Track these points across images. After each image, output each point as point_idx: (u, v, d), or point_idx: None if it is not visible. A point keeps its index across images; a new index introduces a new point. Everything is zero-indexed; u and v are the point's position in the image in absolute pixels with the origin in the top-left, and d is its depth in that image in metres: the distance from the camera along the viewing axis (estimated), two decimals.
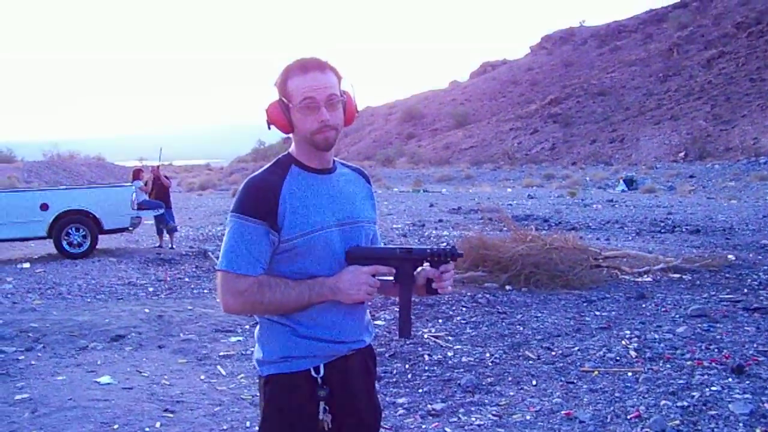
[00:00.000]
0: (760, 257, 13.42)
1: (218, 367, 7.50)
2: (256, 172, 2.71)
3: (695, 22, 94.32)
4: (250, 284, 2.57)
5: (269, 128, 2.73)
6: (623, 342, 7.77)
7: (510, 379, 6.79)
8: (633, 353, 7.35)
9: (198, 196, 43.51)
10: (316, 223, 2.64)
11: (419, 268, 2.72)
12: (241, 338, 8.65)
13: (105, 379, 7.02)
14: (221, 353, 7.99)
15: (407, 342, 8.00)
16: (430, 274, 2.70)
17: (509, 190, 40.16)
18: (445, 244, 2.56)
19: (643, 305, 9.66)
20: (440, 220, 22.05)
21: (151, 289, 12.19)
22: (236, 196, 2.65)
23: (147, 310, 10.10)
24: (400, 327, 2.76)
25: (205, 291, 11.96)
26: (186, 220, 24.91)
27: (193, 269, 14.16)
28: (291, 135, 2.73)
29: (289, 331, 2.67)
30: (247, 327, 9.10)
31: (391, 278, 2.70)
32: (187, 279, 13.13)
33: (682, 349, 7.40)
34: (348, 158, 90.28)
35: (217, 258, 14.08)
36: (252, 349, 7.98)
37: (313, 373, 2.68)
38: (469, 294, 10.49)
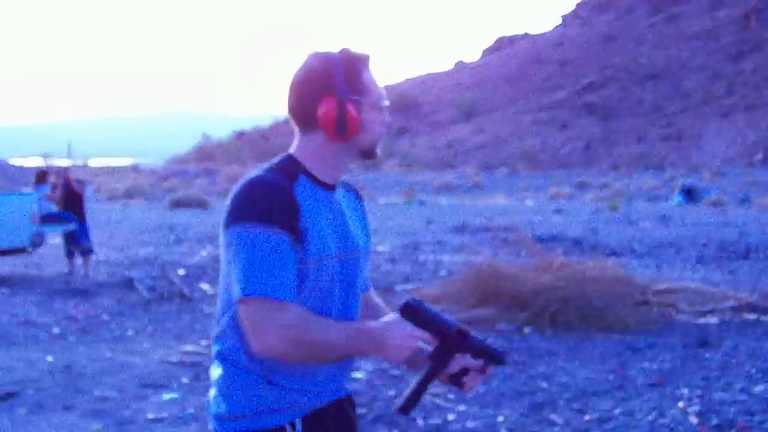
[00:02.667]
0: None
1: None
2: (257, 173, 2.74)
3: None
4: (296, 315, 2.59)
5: (340, 132, 2.76)
6: (680, 404, 7.76)
7: None
8: (694, 419, 7.33)
9: (122, 206, 43.44)
10: (329, 249, 2.73)
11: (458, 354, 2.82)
12: (176, 395, 8.59)
13: None
14: (150, 416, 7.93)
15: (394, 401, 7.95)
16: (473, 366, 2.81)
17: (530, 202, 40.27)
18: (491, 342, 2.57)
19: (707, 355, 9.66)
20: (439, 242, 22.08)
21: (56, 331, 12.10)
22: (237, 201, 2.66)
23: (50, 359, 10.02)
24: (405, 402, 2.82)
25: (130, 333, 11.89)
26: (106, 238, 24.82)
27: (115, 304, 14.08)
28: (303, 137, 2.83)
29: (262, 379, 2.72)
30: (185, 381, 9.05)
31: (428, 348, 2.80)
32: (105, 317, 13.06)
33: (761, 416, 7.39)
34: None
35: (150, 289, 13.99)
36: (191, 409, 7.95)
37: (288, 430, 2.75)
38: None
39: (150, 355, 10.02)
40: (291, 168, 2.76)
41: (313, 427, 2.77)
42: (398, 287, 14.14)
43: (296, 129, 2.81)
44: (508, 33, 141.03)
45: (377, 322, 2.72)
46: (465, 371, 2.82)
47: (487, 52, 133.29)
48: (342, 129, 2.71)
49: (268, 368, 2.71)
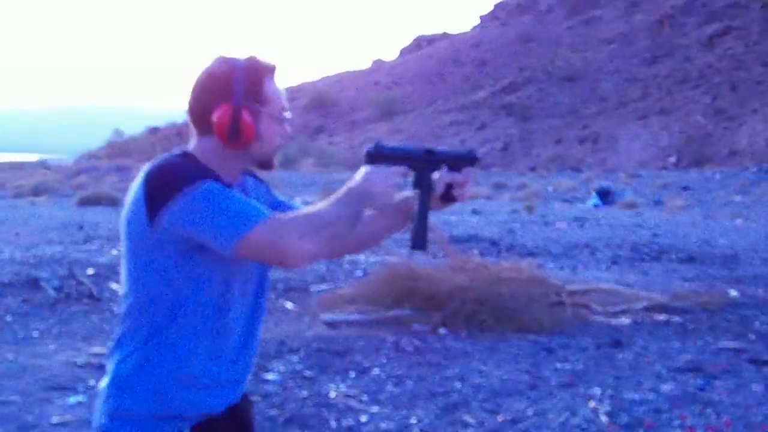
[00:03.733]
0: None
1: None
2: (158, 160, 2.78)
3: None
4: (292, 217, 2.70)
5: (232, 139, 2.78)
6: (591, 403, 7.84)
7: None
8: (604, 418, 7.42)
9: (29, 204, 42.76)
10: None
11: (436, 173, 3.04)
12: (82, 399, 8.47)
13: None
14: (54, 420, 7.81)
15: (307, 403, 7.94)
16: (454, 179, 3.03)
17: None
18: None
19: (619, 355, 9.78)
20: None
21: None
22: (159, 184, 2.67)
23: None
24: (415, 237, 3.04)
25: (35, 334, 11.70)
26: (11, 237, 24.42)
27: (19, 304, 13.84)
28: (204, 140, 2.85)
29: (172, 374, 2.77)
30: (92, 384, 8.93)
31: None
32: (8, 318, 12.81)
33: (668, 414, 7.50)
34: None
35: (57, 289, 13.77)
36: None
37: None
38: (391, 339, 10.48)
39: (56, 358, 9.84)
40: (203, 170, 2.75)
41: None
42: (313, 287, 14.10)
43: (193, 130, 2.81)
44: (427, 32, 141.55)
45: (353, 180, 2.82)
46: (450, 186, 3.01)
47: (406, 51, 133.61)
48: (234, 137, 2.74)
49: (184, 360, 2.75)
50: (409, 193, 3.06)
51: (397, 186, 2.89)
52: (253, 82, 2.76)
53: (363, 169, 2.86)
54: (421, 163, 2.99)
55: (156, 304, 2.76)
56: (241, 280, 2.88)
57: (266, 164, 2.89)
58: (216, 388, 2.85)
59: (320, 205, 2.74)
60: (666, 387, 8.29)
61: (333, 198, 2.76)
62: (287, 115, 2.87)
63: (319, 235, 2.64)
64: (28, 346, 10.84)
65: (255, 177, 3.12)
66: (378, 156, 2.91)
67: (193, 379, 2.78)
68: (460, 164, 3.04)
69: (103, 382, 2.90)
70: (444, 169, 3.02)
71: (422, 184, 3.02)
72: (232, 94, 2.73)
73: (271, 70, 2.83)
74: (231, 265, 2.79)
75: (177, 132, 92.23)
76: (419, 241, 3.03)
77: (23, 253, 19.26)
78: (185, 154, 2.81)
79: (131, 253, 2.77)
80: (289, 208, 3.10)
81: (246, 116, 2.73)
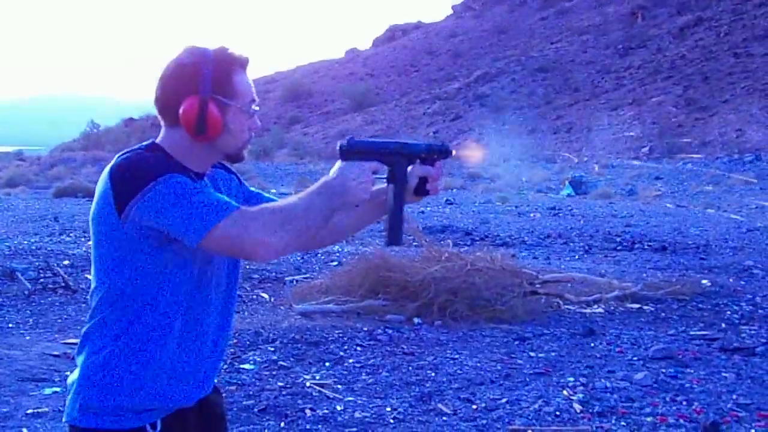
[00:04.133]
0: (742, 283, 13.81)
1: (23, 430, 7.33)
2: (123, 154, 2.77)
3: None
4: (260, 209, 2.69)
5: (199, 132, 2.76)
6: (565, 392, 7.90)
7: None
8: (577, 407, 7.47)
9: (4, 195, 42.52)
10: None
11: (410, 168, 3.03)
12: (57, 389, 8.45)
13: None
14: (29, 411, 7.79)
15: (282, 392, 7.97)
16: (428, 172, 3.03)
17: None
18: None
19: (592, 344, 9.85)
20: None
21: None
22: (124, 179, 2.67)
23: None
24: (390, 234, 3.06)
25: (11, 325, 11.67)
26: None
27: None
28: (171, 132, 2.84)
29: (142, 368, 2.77)
30: (67, 374, 8.91)
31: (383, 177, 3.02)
32: None
33: (640, 402, 7.57)
34: None
35: (33, 281, 13.69)
36: None
37: (149, 430, 2.77)
38: (365, 329, 10.51)
39: (31, 349, 9.82)
40: (169, 163, 2.75)
41: (173, 425, 2.79)
42: (288, 278, 14.11)
43: (162, 121, 2.81)
44: (400, 21, 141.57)
45: (328, 176, 2.81)
46: (424, 180, 3.02)
47: (379, 41, 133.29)
48: (201, 129, 2.73)
49: (132, 352, 2.75)
50: (382, 186, 3.05)
51: (372, 182, 2.88)
52: (221, 75, 2.74)
53: (337, 165, 2.85)
54: (394, 157, 2.99)
55: (126, 299, 2.76)
56: (214, 272, 2.88)
57: (235, 157, 2.88)
58: (188, 381, 2.84)
59: (291, 199, 2.73)
60: (638, 375, 8.35)
61: (306, 192, 2.76)
62: (256, 108, 2.86)
63: (285, 230, 2.62)
64: (3, 337, 10.81)
65: (226, 169, 3.11)
66: (351, 151, 2.90)
67: (164, 373, 2.78)
68: (433, 158, 3.05)
69: (73, 376, 2.90)
70: (417, 163, 3.03)
71: (396, 178, 3.02)
72: (199, 86, 2.71)
73: (240, 62, 2.81)
74: (203, 258, 2.79)
75: (152, 123, 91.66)
76: (394, 238, 3.06)
77: None
78: (153, 147, 2.80)
79: (100, 247, 2.76)
80: (262, 200, 3.09)
81: (213, 109, 2.72)
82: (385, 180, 3.03)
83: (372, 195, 2.98)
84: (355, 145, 2.92)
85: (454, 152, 3.14)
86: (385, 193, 3.06)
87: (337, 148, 2.91)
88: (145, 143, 2.84)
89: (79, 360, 2.87)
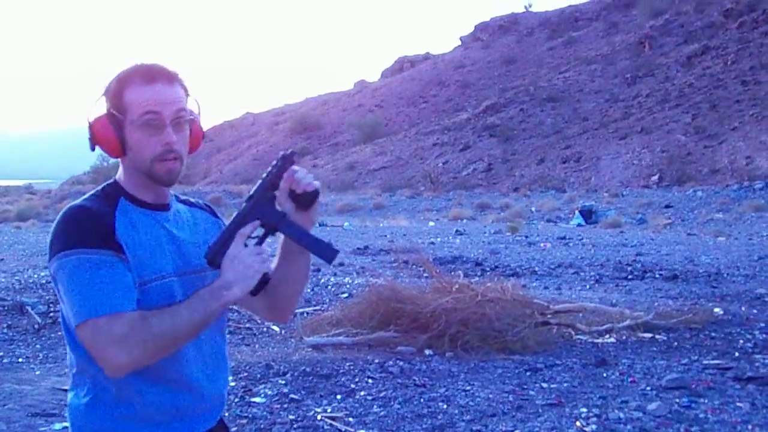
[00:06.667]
0: (754, 311, 13.73)
1: None
2: (75, 202, 2.68)
3: (672, 8, 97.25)
4: (130, 321, 2.50)
5: (93, 149, 2.73)
6: (578, 423, 7.83)
7: None
8: None
9: (15, 229, 42.59)
10: (156, 270, 2.65)
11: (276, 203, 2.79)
12: (67, 424, 8.41)
13: None
14: None
15: (294, 426, 7.91)
16: (284, 186, 2.76)
17: (431, 223, 40.41)
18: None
19: (604, 374, 9.78)
20: (341, 264, 22.03)
21: None
22: (54, 233, 2.62)
23: None
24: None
25: (20, 360, 11.64)
26: None
27: (4, 330, 13.79)
28: (120, 160, 2.74)
29: (122, 413, 2.70)
30: None
31: (258, 233, 2.76)
32: None
33: None
34: (222, 179, 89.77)
35: (43, 315, 13.66)
36: None
37: None
38: (377, 361, 10.46)
39: (41, 383, 9.77)
40: (112, 192, 2.72)
41: None
42: (298, 310, 14.07)
43: None
44: (409, 53, 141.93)
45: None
46: (294, 193, 2.78)
47: (388, 73, 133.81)
48: (92, 146, 2.70)
49: (112, 396, 2.69)
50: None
51: (253, 254, 2.65)
52: (115, 90, 2.66)
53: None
54: (252, 211, 2.75)
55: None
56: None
57: (150, 176, 2.69)
58: (173, 422, 2.76)
59: (172, 309, 2.55)
60: (652, 405, 8.28)
61: (191, 297, 2.59)
62: (146, 119, 2.63)
63: (143, 352, 2.51)
64: (12, 372, 10.78)
65: (199, 207, 3.02)
66: (215, 253, 2.67)
67: (145, 417, 2.71)
68: (281, 175, 2.78)
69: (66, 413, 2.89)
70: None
71: (273, 222, 2.78)
72: (102, 104, 2.67)
73: (140, 73, 2.66)
74: (168, 298, 2.67)
75: None
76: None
77: (8, 279, 19.18)
78: (109, 187, 2.76)
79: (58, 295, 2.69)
80: None
81: (98, 125, 2.66)
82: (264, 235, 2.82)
83: (286, 245, 2.86)
84: (212, 248, 2.68)
85: (291, 150, 2.84)
86: (292, 241, 2.85)
87: (207, 262, 2.69)
88: (105, 183, 2.79)
89: (68, 397, 2.86)
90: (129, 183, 2.73)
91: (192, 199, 3.03)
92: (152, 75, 2.64)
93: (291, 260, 2.91)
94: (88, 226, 2.58)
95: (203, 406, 2.82)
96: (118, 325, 2.48)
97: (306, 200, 2.80)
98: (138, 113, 2.61)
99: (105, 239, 2.56)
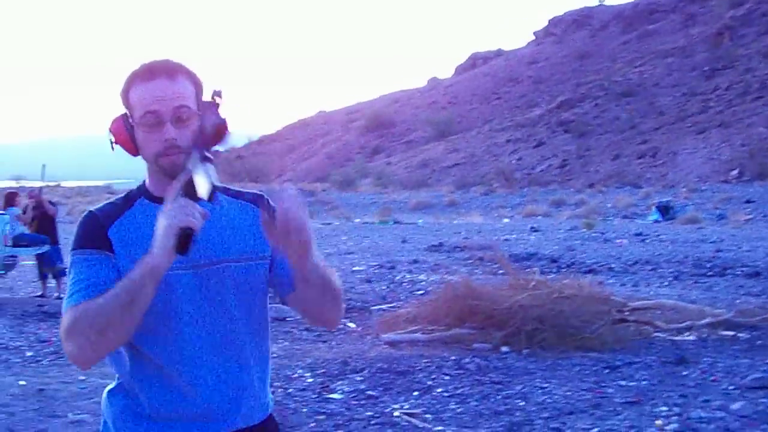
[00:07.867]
0: None
1: None
2: (93, 207, 2.80)
3: None
4: (74, 313, 2.53)
5: (113, 149, 2.78)
6: (658, 422, 7.77)
7: None
8: None
9: None
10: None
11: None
12: None
13: None
14: None
15: (371, 422, 7.95)
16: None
17: (506, 220, 40.31)
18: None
19: (685, 373, 9.68)
20: (415, 261, 22.07)
21: (29, 354, 12.01)
22: (75, 233, 2.74)
23: (23, 383, 9.95)
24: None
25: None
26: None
27: None
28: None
29: (142, 413, 2.76)
30: None
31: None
32: None
33: None
34: (296, 178, 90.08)
35: None
36: None
37: None
38: (453, 358, 10.46)
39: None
40: (134, 194, 2.78)
41: None
42: (374, 307, 14.13)
43: None
44: (481, 49, 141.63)
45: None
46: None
47: (461, 69, 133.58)
48: (112, 147, 2.74)
49: (143, 390, 2.74)
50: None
51: (187, 207, 2.46)
52: (124, 92, 2.69)
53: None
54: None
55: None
56: (193, 303, 2.70)
57: (162, 171, 2.66)
58: (192, 421, 2.72)
59: (107, 292, 2.50)
60: (735, 405, 8.18)
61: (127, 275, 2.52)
62: (147, 117, 2.62)
63: (83, 336, 2.49)
64: (97, 366, 10.86)
65: (247, 199, 2.89)
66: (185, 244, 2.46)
67: (152, 415, 2.72)
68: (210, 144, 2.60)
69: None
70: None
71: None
72: (120, 104, 2.72)
73: (140, 74, 2.67)
74: (165, 291, 2.61)
75: (237, 156, 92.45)
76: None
77: None
78: (133, 188, 2.82)
79: None
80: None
81: (114, 126, 2.70)
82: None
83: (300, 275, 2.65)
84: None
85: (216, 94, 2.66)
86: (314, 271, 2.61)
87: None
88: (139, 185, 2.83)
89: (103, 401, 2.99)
90: (150, 181, 2.77)
91: (245, 191, 2.94)
92: (152, 72, 2.65)
93: (299, 272, 2.69)
94: (85, 229, 2.69)
95: (210, 408, 2.73)
96: (66, 318, 2.55)
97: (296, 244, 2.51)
98: (138, 114, 2.64)
99: (94, 239, 2.65)
